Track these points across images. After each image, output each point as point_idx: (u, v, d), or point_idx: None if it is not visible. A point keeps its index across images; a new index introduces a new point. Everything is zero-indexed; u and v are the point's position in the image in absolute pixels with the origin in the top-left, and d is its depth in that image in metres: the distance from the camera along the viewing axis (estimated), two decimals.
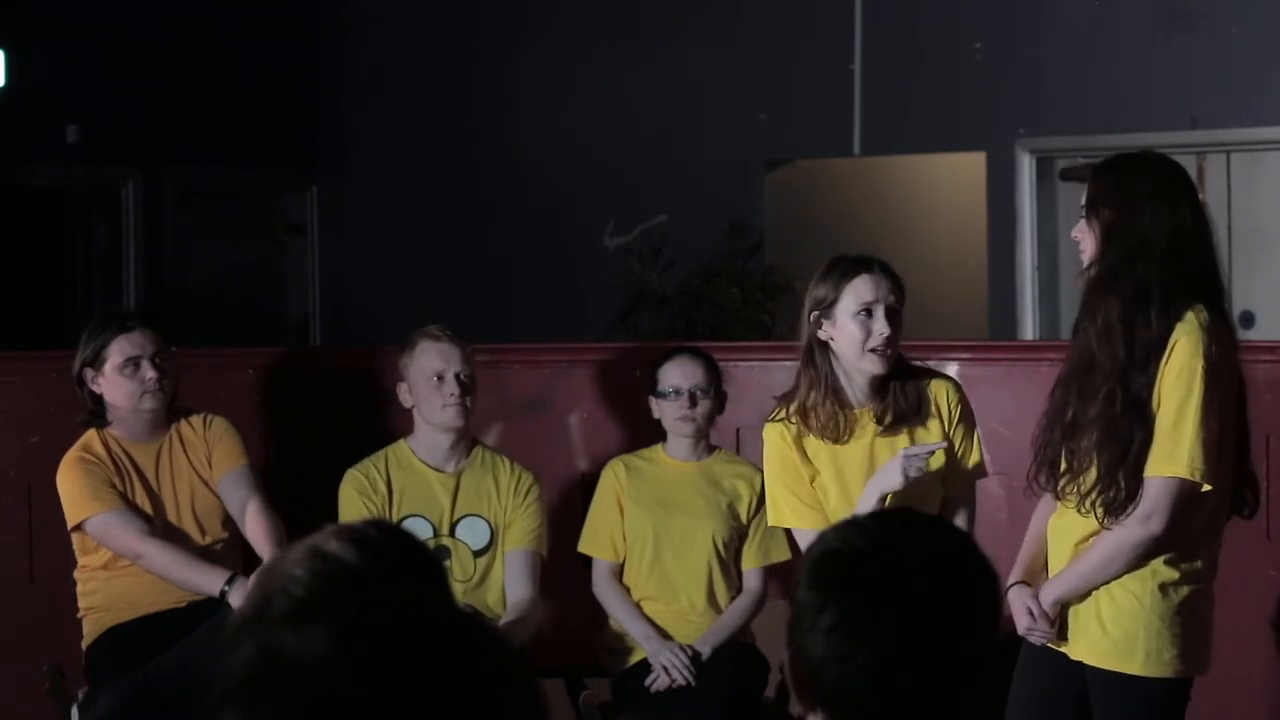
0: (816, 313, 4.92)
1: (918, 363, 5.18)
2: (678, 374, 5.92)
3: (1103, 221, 4.44)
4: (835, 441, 4.93)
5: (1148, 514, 4.34)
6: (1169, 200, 4.43)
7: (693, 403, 5.88)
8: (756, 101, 10.71)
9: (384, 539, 2.45)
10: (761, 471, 5.94)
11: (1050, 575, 4.52)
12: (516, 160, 11.19)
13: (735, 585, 5.92)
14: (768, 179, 10.74)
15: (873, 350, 4.89)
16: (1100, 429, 4.38)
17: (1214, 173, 9.77)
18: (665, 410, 5.94)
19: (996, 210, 10.20)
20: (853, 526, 2.39)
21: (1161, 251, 4.38)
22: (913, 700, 2.30)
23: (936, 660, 2.30)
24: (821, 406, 4.91)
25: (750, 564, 5.90)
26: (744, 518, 5.91)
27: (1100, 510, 4.38)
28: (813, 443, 4.97)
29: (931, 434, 4.98)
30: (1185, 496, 4.34)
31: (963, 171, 10.42)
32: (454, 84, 11.40)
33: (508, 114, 11.25)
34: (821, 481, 4.98)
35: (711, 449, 6.01)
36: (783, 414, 4.98)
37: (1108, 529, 4.39)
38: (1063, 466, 4.46)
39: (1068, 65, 10.00)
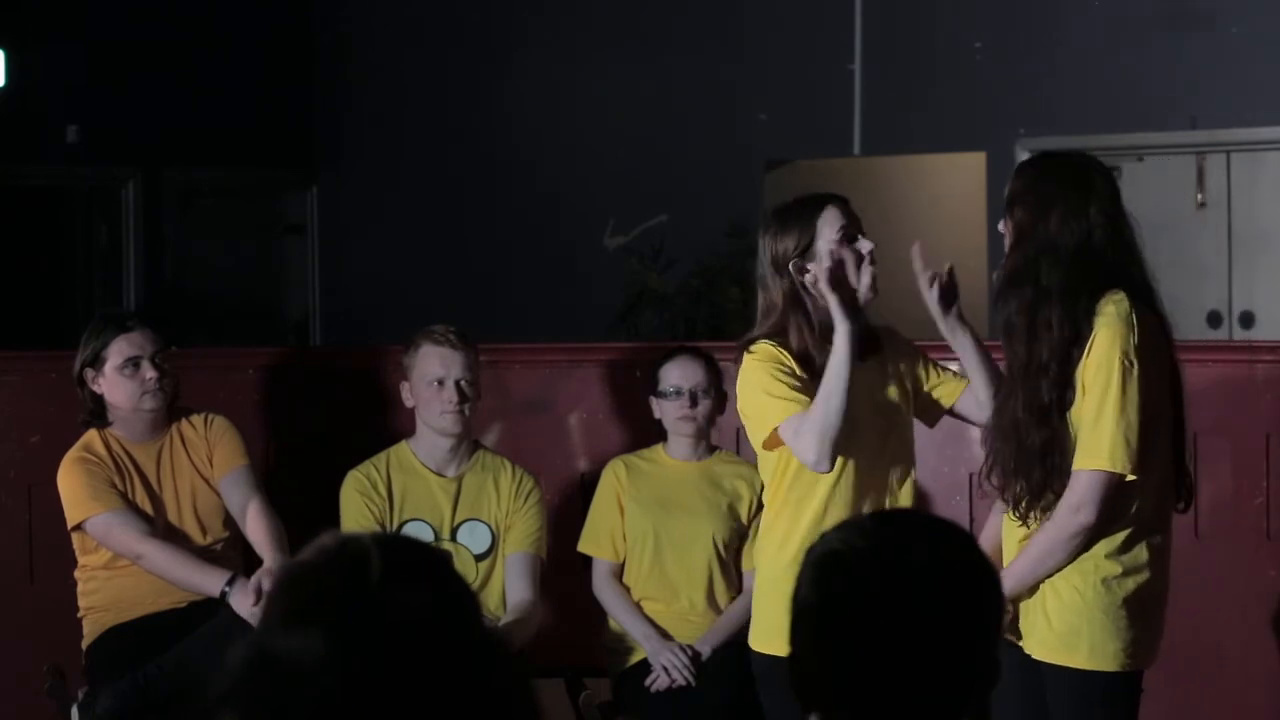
0: (797, 260, 4.83)
1: None
2: (678, 374, 5.92)
3: (1015, 221, 4.49)
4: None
5: (1076, 506, 4.34)
6: (1079, 204, 4.41)
7: (693, 402, 5.88)
8: (756, 101, 10.71)
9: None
10: None
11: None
12: (516, 160, 11.19)
13: (735, 585, 5.92)
14: (768, 179, 10.73)
15: (871, 265, 4.84)
16: (1002, 431, 4.40)
17: (1214, 173, 9.75)
18: (666, 410, 5.94)
19: (996, 210, 10.18)
20: (853, 527, 2.39)
21: (1068, 255, 4.38)
22: (913, 701, 2.30)
23: (937, 661, 2.30)
24: (819, 349, 4.76)
25: (750, 564, 5.89)
26: (744, 518, 5.91)
27: (1014, 511, 4.39)
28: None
29: (902, 354, 4.92)
30: (1112, 488, 4.34)
31: (963, 171, 10.41)
32: (454, 84, 11.40)
33: (508, 114, 11.25)
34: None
35: (712, 449, 6.01)
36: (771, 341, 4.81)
37: (1028, 527, 4.39)
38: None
39: (1068, 65, 10.00)
